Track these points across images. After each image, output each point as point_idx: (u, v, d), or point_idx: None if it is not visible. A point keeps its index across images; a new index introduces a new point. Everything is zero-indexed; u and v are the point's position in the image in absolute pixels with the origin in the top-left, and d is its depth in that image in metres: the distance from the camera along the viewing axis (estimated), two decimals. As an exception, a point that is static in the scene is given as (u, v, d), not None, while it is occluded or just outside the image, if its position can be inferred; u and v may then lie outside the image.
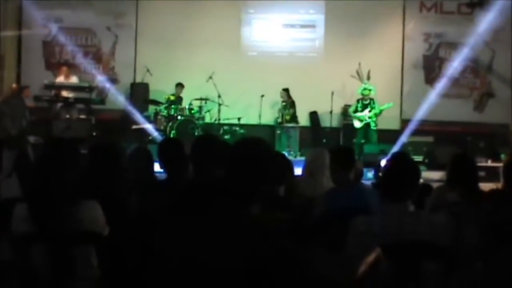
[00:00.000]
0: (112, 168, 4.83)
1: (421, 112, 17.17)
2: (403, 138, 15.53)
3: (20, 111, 14.73)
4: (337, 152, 5.84)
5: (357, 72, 16.14)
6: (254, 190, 2.96)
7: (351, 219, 3.93)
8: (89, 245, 3.98)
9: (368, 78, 15.82)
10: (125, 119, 16.37)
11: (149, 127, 15.54)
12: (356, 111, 15.34)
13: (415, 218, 3.89)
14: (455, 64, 17.53)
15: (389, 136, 15.43)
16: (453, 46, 17.52)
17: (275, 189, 5.12)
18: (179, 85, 16.10)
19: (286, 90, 16.16)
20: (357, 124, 15.35)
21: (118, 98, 17.11)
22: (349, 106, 16.06)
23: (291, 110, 16.13)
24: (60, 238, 3.85)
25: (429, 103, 17.29)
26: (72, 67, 16.98)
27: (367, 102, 15.24)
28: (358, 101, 15.40)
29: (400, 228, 3.80)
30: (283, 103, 16.27)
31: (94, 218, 4.07)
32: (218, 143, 4.55)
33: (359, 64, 16.21)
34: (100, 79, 17.40)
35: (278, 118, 16.33)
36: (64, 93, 15.62)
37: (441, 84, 17.55)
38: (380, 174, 11.89)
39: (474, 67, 17.57)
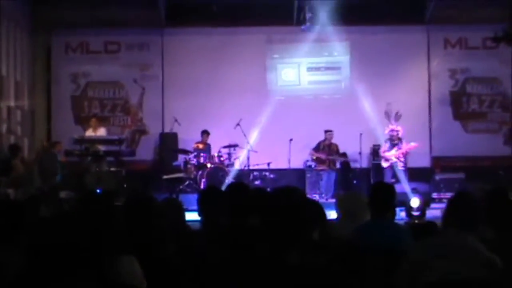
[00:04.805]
0: (147, 222, 4.85)
1: (451, 149, 17.12)
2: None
3: (53, 166, 14.90)
4: (379, 188, 5.80)
5: (386, 113, 16.09)
6: (290, 238, 2.97)
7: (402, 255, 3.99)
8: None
9: (398, 118, 15.74)
10: (155, 169, 16.48)
11: (179, 176, 15.58)
12: (385, 151, 15.25)
13: (469, 252, 3.97)
14: (482, 99, 17.54)
15: (420, 174, 15.33)
16: (480, 81, 17.52)
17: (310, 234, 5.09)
18: (205, 132, 16.18)
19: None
20: (385, 164, 15.23)
21: (147, 149, 17.27)
22: (378, 146, 16.03)
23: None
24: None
25: (458, 139, 17.25)
26: (101, 120, 17.14)
27: (395, 142, 15.15)
28: (386, 141, 15.33)
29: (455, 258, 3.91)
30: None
31: (132, 272, 4.08)
32: (251, 190, 4.57)
33: (387, 104, 16.17)
34: (129, 131, 17.60)
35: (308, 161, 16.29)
36: (94, 147, 15.71)
37: (470, 120, 17.53)
38: (411, 213, 12.06)
39: (502, 101, 17.52)
